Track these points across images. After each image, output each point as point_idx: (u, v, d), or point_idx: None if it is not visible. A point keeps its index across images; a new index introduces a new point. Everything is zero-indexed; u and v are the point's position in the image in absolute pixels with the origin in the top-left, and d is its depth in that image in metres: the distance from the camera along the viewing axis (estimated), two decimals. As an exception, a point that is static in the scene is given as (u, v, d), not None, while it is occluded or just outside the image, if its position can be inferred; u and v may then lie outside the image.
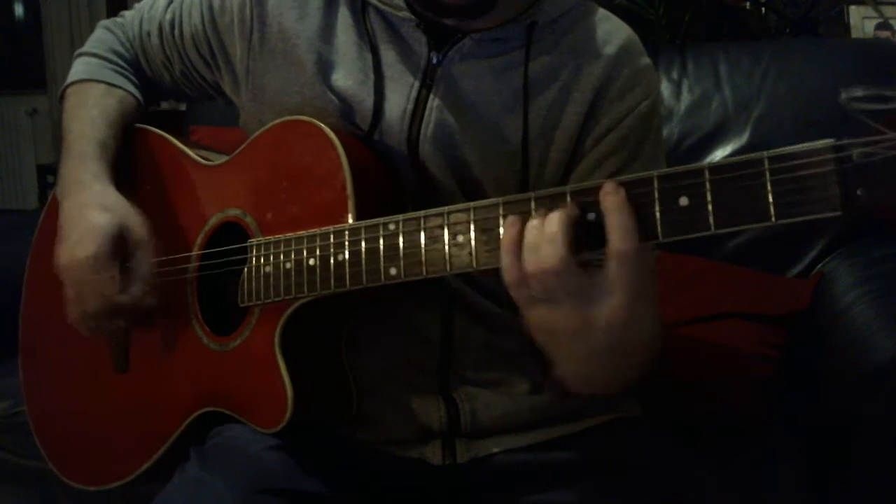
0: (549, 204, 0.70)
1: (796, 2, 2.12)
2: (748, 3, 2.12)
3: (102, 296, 0.93)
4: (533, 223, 0.68)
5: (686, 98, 1.62)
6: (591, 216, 0.67)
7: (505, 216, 0.72)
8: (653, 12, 1.85)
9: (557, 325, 0.69)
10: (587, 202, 0.67)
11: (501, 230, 0.72)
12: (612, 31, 0.95)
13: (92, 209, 0.96)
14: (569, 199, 0.68)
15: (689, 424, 1.17)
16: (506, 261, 0.69)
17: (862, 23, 2.47)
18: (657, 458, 0.93)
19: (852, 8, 2.46)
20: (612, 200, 0.65)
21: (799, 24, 2.07)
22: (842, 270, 1.41)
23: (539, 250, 0.67)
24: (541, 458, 0.93)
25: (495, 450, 0.92)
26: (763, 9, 2.14)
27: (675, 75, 1.64)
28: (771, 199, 0.59)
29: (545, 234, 0.67)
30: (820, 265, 1.48)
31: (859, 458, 1.05)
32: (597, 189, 0.67)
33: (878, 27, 2.45)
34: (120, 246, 0.95)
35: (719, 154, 1.57)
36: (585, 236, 0.67)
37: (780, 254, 1.51)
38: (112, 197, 0.98)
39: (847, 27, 2.45)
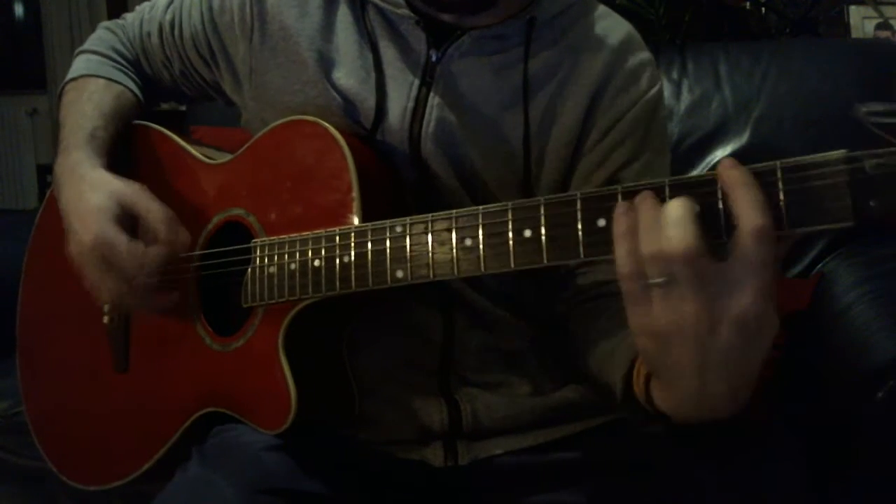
0: (561, 210, 0.69)
1: (796, 2, 2.12)
2: (748, 3, 2.12)
3: (123, 271, 0.91)
4: (647, 206, 0.62)
5: (686, 98, 1.62)
6: (720, 206, 0.61)
7: (514, 221, 0.71)
8: (653, 12, 1.85)
9: (678, 322, 0.60)
10: (704, 192, 0.61)
11: (510, 234, 0.71)
12: (611, 27, 0.95)
13: (87, 194, 0.94)
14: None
15: (689, 424, 1.17)
16: (621, 250, 0.62)
17: (862, 23, 2.47)
18: (657, 458, 0.93)
19: (852, 8, 2.46)
20: (734, 175, 0.59)
21: (799, 24, 2.07)
22: (842, 270, 1.41)
23: (664, 232, 0.60)
24: (542, 459, 0.93)
25: (496, 451, 0.92)
26: (763, 9, 2.14)
27: (675, 75, 1.64)
28: (783, 209, 0.59)
29: (669, 216, 0.60)
30: (820, 265, 1.48)
31: (859, 458, 1.05)
32: (607, 196, 0.65)
33: (878, 27, 2.45)
34: (124, 221, 0.93)
35: (719, 154, 1.57)
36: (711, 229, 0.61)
37: (780, 254, 1.51)
38: (104, 177, 0.96)
39: (847, 27, 2.46)
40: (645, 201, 0.62)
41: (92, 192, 0.94)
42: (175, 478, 0.91)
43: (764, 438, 1.23)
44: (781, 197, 0.59)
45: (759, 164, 0.60)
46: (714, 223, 0.61)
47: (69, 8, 4.81)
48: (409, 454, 0.93)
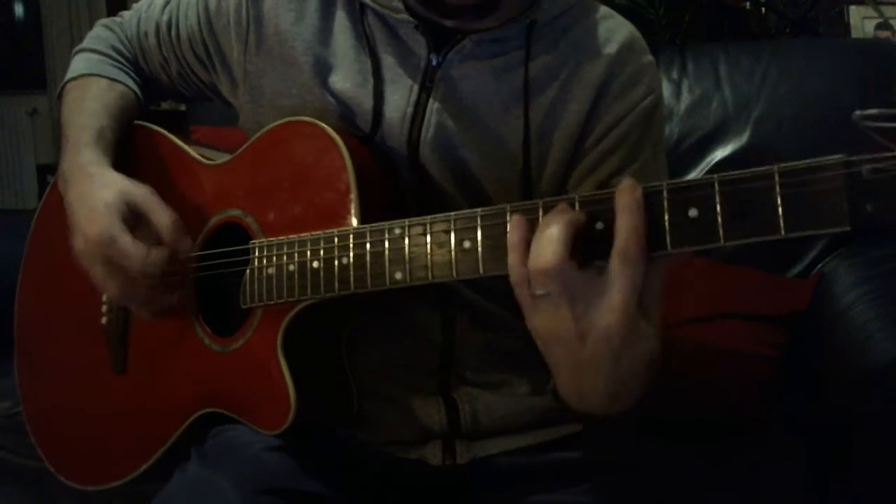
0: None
1: (796, 2, 2.12)
2: (748, 3, 2.12)
3: (125, 270, 0.91)
4: (540, 223, 0.68)
5: (686, 98, 1.62)
6: (600, 225, 0.66)
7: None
8: (653, 12, 1.85)
9: (553, 328, 0.67)
10: (598, 210, 0.66)
11: (509, 236, 0.72)
12: (613, 28, 0.95)
13: (96, 191, 0.94)
14: (577, 205, 0.67)
15: (689, 424, 1.17)
16: (511, 258, 0.68)
17: (862, 23, 2.47)
18: (657, 458, 0.93)
19: (852, 8, 2.46)
20: (624, 199, 0.64)
21: (799, 24, 2.07)
22: (842, 270, 1.41)
23: (539, 249, 0.66)
24: (540, 458, 0.93)
25: (495, 451, 0.93)
26: (763, 9, 2.14)
27: (675, 75, 1.64)
28: (780, 213, 0.59)
29: (545, 234, 0.65)
30: (820, 265, 1.48)
31: (859, 458, 1.05)
32: (604, 198, 0.66)
33: (878, 27, 2.45)
34: (129, 217, 0.93)
35: (719, 154, 1.57)
36: (594, 245, 0.66)
37: (780, 254, 1.51)
38: (114, 176, 0.96)
39: (847, 27, 2.46)
40: (547, 215, 0.67)
41: (101, 190, 0.94)
42: (174, 478, 0.91)
43: (764, 438, 1.23)
44: (779, 201, 0.59)
45: (758, 169, 0.60)
46: (601, 246, 0.65)
47: (69, 8, 4.82)
48: (407, 453, 0.93)
